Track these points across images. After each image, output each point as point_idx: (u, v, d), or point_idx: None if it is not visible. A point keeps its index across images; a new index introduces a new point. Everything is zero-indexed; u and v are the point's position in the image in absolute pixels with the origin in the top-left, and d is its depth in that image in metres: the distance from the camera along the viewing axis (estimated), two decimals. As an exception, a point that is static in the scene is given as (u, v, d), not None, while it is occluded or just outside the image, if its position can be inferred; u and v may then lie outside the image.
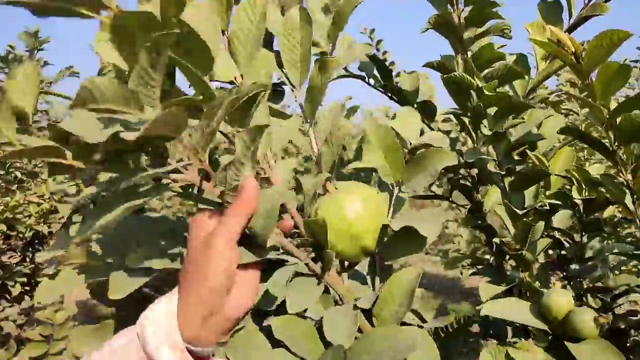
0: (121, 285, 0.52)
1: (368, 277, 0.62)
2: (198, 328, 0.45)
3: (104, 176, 0.45)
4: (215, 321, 0.46)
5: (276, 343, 0.54)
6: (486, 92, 0.63)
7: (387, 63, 2.14)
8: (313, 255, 0.56)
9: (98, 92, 0.36)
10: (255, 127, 0.43)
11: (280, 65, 0.62)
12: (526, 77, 0.79)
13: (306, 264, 0.54)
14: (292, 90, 0.63)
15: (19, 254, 2.29)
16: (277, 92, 0.72)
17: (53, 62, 2.63)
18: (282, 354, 0.52)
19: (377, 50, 2.40)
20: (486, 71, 0.72)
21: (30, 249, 2.32)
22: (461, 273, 2.99)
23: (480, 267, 1.02)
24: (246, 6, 0.53)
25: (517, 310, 0.67)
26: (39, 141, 0.40)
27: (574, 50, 0.55)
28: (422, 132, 0.71)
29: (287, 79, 0.63)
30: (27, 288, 2.31)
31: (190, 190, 0.57)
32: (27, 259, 2.31)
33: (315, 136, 0.60)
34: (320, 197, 0.56)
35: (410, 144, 0.69)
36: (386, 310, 0.55)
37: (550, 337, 0.67)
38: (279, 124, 0.62)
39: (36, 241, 2.31)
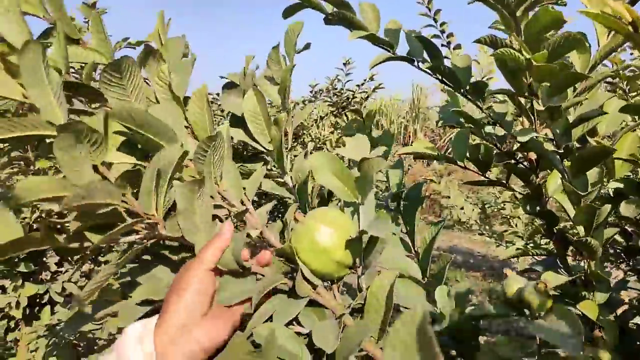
0: (127, 315, 0.63)
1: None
2: (169, 340, 0.52)
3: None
4: (187, 340, 0.52)
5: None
6: (535, 64, 0.57)
7: (444, 35, 2.03)
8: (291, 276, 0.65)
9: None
10: (193, 182, 0.58)
11: (251, 136, 0.77)
12: (587, 50, 0.71)
13: (291, 287, 0.64)
14: (269, 152, 0.77)
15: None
16: (257, 156, 0.92)
17: (110, 33, 2.68)
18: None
19: (435, 21, 2.29)
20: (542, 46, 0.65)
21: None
22: (517, 257, 2.88)
23: (538, 257, 0.96)
24: (193, 100, 0.70)
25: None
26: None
27: (630, 19, 0.49)
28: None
29: (260, 144, 0.77)
30: (88, 252, 2.43)
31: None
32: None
33: (291, 178, 0.77)
34: (294, 225, 0.66)
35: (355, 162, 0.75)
36: (372, 309, 0.61)
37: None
38: (253, 177, 0.75)
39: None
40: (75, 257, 2.22)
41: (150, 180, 0.55)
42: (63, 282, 2.18)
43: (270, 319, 0.61)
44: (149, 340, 0.52)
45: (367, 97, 3.80)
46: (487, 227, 3.16)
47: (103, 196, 0.49)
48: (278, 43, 0.77)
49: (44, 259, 2.21)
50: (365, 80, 3.72)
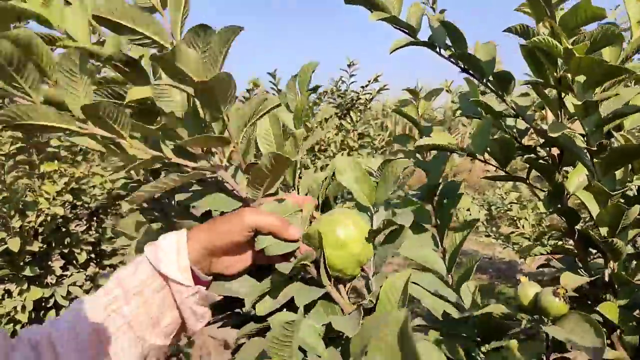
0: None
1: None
2: (200, 257, 0.61)
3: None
4: (212, 262, 0.63)
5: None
6: (577, 55, 0.55)
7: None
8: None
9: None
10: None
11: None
12: (621, 44, 0.69)
13: (314, 276, 0.65)
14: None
15: (84, 222, 2.39)
16: None
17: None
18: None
19: (433, 10, 2.27)
20: (574, 39, 0.63)
21: (95, 219, 2.41)
22: (524, 258, 2.86)
23: (556, 255, 0.94)
24: None
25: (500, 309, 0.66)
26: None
27: None
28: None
29: None
30: (93, 255, 2.41)
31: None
32: (92, 228, 2.41)
33: (298, 193, 0.78)
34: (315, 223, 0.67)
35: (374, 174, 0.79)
36: (383, 309, 0.60)
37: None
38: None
39: (100, 211, 2.39)
40: (82, 261, 2.21)
41: (247, 116, 0.62)
42: (68, 285, 2.17)
43: (285, 306, 0.63)
44: (184, 254, 0.59)
45: (372, 98, 3.78)
46: (493, 229, 3.13)
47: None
48: (296, 74, 0.81)
49: (49, 262, 2.19)
50: (369, 81, 3.70)
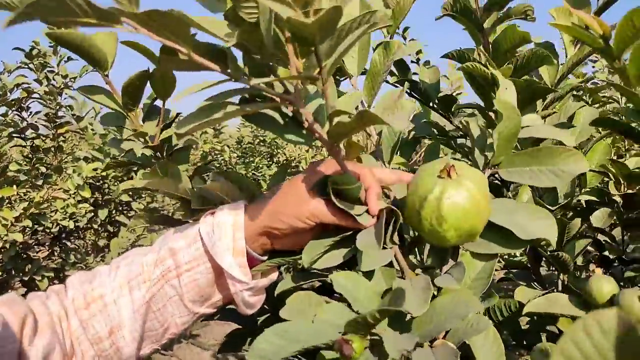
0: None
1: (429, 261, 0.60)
2: (258, 238, 0.56)
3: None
4: (265, 242, 0.57)
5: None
6: (500, 78, 0.57)
7: (413, 52, 2.06)
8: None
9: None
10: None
11: None
12: (554, 63, 0.72)
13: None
14: (350, 79, 0.66)
15: (46, 248, 2.33)
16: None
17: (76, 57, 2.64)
18: (339, 307, 0.51)
19: (404, 38, 2.32)
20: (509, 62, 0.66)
21: (58, 244, 2.35)
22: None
23: (513, 270, 0.96)
24: None
25: (557, 303, 0.61)
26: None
27: (601, 32, 0.49)
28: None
29: (344, 66, 0.65)
30: (56, 282, 2.34)
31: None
32: (55, 254, 2.34)
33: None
34: (440, 180, 0.51)
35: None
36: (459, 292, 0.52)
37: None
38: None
39: (63, 236, 2.34)
40: (43, 288, 2.14)
41: (350, 41, 0.44)
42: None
43: (345, 264, 0.56)
44: (241, 239, 0.55)
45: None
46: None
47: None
48: None
49: (9, 291, 2.12)
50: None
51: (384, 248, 0.53)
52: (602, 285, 0.57)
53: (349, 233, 0.55)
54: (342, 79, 0.74)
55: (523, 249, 0.56)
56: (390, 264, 0.56)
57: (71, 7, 0.34)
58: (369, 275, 0.55)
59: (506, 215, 0.53)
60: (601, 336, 0.14)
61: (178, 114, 0.77)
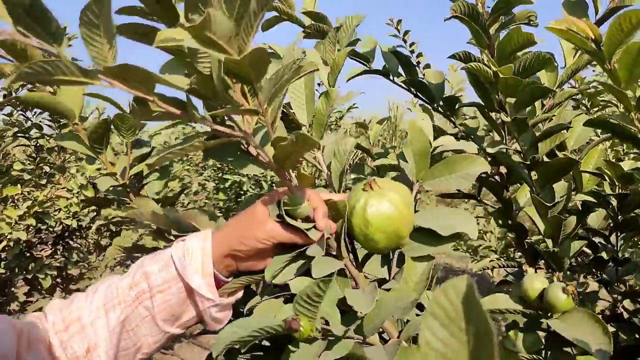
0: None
1: (385, 267, 0.68)
2: (225, 260, 0.63)
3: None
4: (230, 264, 0.64)
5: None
6: (502, 76, 0.59)
7: (414, 55, 2.09)
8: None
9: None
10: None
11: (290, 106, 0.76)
12: (555, 68, 0.74)
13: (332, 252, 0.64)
14: (302, 128, 0.77)
15: (49, 247, 2.34)
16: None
17: (82, 58, 2.66)
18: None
19: (405, 41, 2.34)
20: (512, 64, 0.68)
21: (61, 242, 2.37)
22: (491, 270, 2.93)
23: (510, 268, 0.98)
24: None
25: (499, 301, 0.67)
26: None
27: (593, 36, 0.51)
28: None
29: (297, 118, 0.75)
30: (58, 280, 2.36)
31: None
32: (58, 252, 2.36)
33: (322, 157, 0.75)
34: (365, 192, 0.62)
35: (432, 147, 0.73)
36: (401, 289, 0.61)
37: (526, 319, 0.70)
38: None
39: (66, 235, 2.35)
40: (47, 286, 2.16)
41: (286, 81, 0.54)
42: (33, 312, 2.11)
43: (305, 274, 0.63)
44: (209, 262, 0.62)
45: (342, 116, 3.84)
46: (461, 242, 3.20)
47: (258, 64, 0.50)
48: (340, 25, 0.75)
49: (13, 289, 2.14)
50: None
51: (336, 258, 0.62)
52: (534, 282, 0.64)
53: (304, 249, 0.62)
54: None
55: (452, 244, 0.62)
56: (345, 275, 0.64)
57: (62, 69, 0.42)
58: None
59: (433, 219, 0.63)
60: (454, 296, 0.20)
61: (153, 148, 0.86)
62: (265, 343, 0.71)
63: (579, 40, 0.50)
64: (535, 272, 0.87)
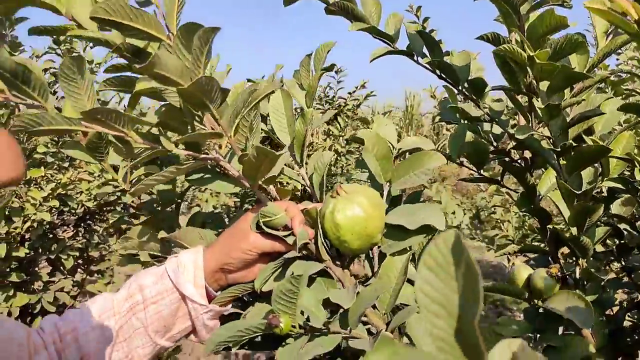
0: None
1: (366, 263, 0.73)
2: (215, 274, 0.68)
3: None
4: (220, 278, 0.69)
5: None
6: (538, 61, 0.58)
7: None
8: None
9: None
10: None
11: (273, 132, 0.82)
12: (587, 51, 0.73)
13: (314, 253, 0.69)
14: (282, 149, 0.82)
15: (72, 228, 2.39)
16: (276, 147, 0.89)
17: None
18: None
19: (424, 28, 2.32)
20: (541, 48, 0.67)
21: (82, 224, 2.41)
22: (508, 260, 2.91)
23: (532, 254, 0.97)
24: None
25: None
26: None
27: (637, 17, 0.50)
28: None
29: (279, 140, 0.82)
30: (80, 261, 2.41)
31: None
32: (80, 234, 2.40)
33: (306, 172, 0.80)
34: (333, 199, 0.67)
35: (394, 148, 0.79)
36: (382, 283, 0.66)
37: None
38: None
39: (87, 217, 2.39)
40: (69, 267, 2.21)
41: (243, 102, 0.61)
42: (55, 291, 2.16)
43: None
44: (200, 274, 0.66)
45: (359, 104, 3.82)
46: (477, 232, 3.18)
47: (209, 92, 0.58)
48: (312, 52, 0.81)
49: (36, 268, 2.18)
50: (356, 87, 3.74)
51: (318, 261, 0.68)
52: (520, 271, 0.71)
53: (290, 256, 0.67)
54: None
55: (422, 235, 0.67)
56: (330, 276, 0.69)
57: (48, 119, 0.52)
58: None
59: (402, 216, 0.68)
60: (444, 246, 0.22)
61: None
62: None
63: (620, 20, 0.48)
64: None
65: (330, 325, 0.60)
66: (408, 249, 0.68)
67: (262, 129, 0.84)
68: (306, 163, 0.81)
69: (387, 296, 0.64)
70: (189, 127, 0.63)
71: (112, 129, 0.57)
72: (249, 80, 0.87)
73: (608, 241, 1.08)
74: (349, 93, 3.77)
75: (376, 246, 0.71)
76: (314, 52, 0.81)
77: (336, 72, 3.67)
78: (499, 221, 2.99)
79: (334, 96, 3.84)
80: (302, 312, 0.61)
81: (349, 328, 0.60)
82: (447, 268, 0.22)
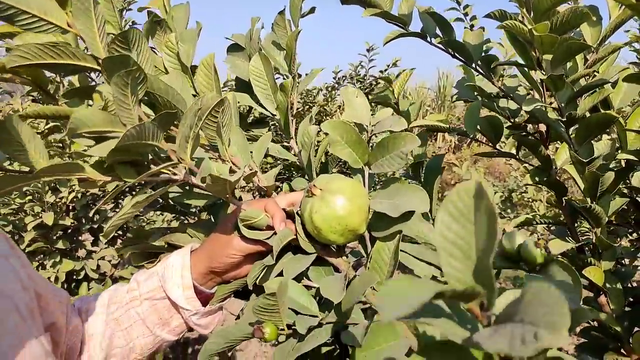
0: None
1: (361, 248, 0.72)
2: (205, 276, 0.70)
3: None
4: (213, 278, 0.71)
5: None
6: (536, 34, 0.60)
7: (467, 18, 2.05)
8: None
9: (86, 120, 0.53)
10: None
11: (258, 101, 0.79)
12: (595, 22, 0.73)
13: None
14: (273, 117, 0.80)
15: (112, 201, 2.51)
16: (263, 122, 0.91)
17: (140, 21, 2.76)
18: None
19: (459, 4, 2.29)
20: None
21: (122, 197, 2.54)
22: (538, 238, 2.88)
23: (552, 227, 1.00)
24: (201, 68, 0.72)
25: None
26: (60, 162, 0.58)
27: None
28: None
29: (266, 109, 0.79)
30: (120, 232, 2.54)
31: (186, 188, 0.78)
32: (119, 206, 2.53)
33: (295, 145, 0.76)
34: (309, 199, 0.66)
35: (369, 124, 0.73)
36: (376, 266, 0.65)
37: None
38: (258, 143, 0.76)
39: (127, 189, 2.51)
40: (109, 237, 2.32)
41: (189, 126, 0.58)
42: (98, 260, 2.29)
43: (280, 275, 0.68)
44: (188, 276, 0.69)
45: (391, 83, 3.81)
46: (508, 210, 3.17)
47: (149, 137, 0.55)
48: (284, 7, 0.77)
49: (80, 237, 2.32)
50: (388, 66, 3.72)
51: (306, 254, 0.68)
52: (511, 239, 0.69)
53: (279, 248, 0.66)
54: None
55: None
56: (327, 264, 0.70)
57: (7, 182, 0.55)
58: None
59: (386, 200, 0.65)
60: (465, 194, 0.23)
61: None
62: None
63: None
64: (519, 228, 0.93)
65: (325, 320, 0.61)
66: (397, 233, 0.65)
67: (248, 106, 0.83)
68: (295, 135, 0.78)
69: (382, 277, 0.64)
70: (148, 154, 0.63)
71: (71, 176, 0.59)
72: (227, 39, 0.84)
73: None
74: (380, 72, 3.75)
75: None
76: (287, 5, 0.76)
77: (367, 50, 3.66)
78: (530, 200, 2.97)
79: (365, 75, 3.83)
80: (294, 311, 0.62)
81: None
82: (468, 215, 0.23)
